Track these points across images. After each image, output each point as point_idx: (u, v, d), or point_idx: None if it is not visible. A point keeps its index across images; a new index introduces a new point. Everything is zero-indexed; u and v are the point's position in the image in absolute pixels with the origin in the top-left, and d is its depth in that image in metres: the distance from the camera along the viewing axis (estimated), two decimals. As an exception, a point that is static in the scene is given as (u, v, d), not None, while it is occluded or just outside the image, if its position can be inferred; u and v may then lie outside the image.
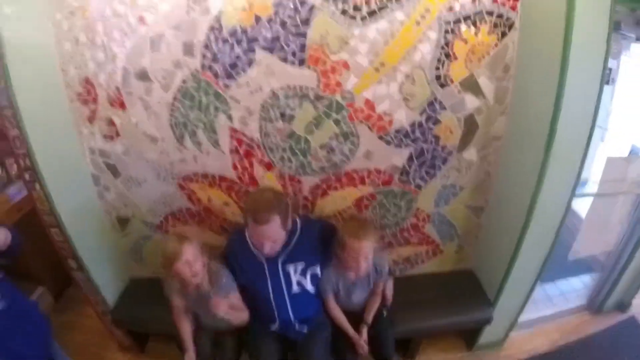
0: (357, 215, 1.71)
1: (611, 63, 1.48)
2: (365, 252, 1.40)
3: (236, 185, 1.71)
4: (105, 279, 1.93)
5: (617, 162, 1.74)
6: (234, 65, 1.47)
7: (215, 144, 1.62)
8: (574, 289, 2.21)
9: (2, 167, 2.94)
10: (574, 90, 1.25)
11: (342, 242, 1.43)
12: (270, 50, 1.43)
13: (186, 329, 1.60)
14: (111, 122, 1.67)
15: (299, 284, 1.50)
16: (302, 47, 1.42)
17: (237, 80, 1.49)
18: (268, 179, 1.68)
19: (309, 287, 1.51)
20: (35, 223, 2.27)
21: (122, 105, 1.61)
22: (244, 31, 1.41)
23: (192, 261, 1.40)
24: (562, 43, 1.21)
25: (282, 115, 1.53)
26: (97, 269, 1.87)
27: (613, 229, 1.89)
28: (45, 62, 1.56)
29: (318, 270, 1.52)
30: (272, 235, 1.34)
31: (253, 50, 1.44)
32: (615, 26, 1.26)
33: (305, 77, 1.46)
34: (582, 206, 1.92)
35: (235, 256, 1.53)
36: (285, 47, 1.43)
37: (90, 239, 1.84)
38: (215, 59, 1.46)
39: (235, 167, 1.67)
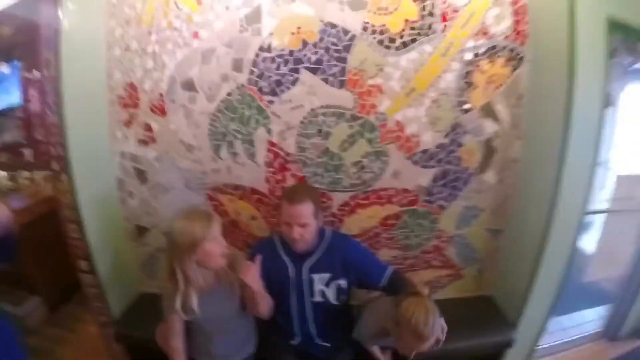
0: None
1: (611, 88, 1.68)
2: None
3: (266, 199, 1.78)
4: (114, 287, 1.88)
5: (626, 180, 1.93)
6: (279, 83, 1.61)
7: (252, 156, 1.71)
8: (589, 320, 2.29)
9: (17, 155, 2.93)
10: (580, 114, 1.45)
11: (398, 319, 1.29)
12: (314, 71, 1.59)
13: (180, 347, 1.41)
14: (148, 128, 1.75)
15: (322, 294, 1.51)
16: (343, 71, 1.59)
17: (281, 96, 1.62)
18: (299, 194, 1.76)
19: (332, 298, 1.52)
20: (35, 235, 2.25)
21: (163, 112, 1.71)
22: (291, 53, 1.57)
23: (220, 238, 1.31)
24: (566, 74, 1.42)
25: (320, 131, 1.66)
26: (108, 274, 1.83)
27: (625, 250, 2.03)
28: (93, 63, 1.68)
29: (344, 283, 1.52)
30: (303, 218, 1.38)
31: (298, 71, 1.59)
32: (611, 54, 1.50)
33: (344, 98, 1.62)
34: (595, 227, 2.07)
35: (263, 259, 1.53)
36: (327, 69, 1.59)
37: (106, 243, 1.82)
38: (261, 75, 1.60)
39: (267, 180, 1.75)
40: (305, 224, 1.39)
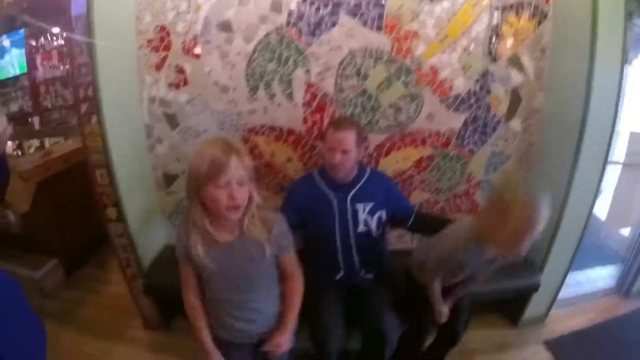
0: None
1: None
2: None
3: (303, 140, 1.82)
4: (142, 238, 1.86)
5: (636, 136, 2.08)
6: (318, 25, 1.66)
7: (289, 96, 1.75)
8: (603, 276, 2.44)
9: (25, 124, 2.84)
10: (601, 69, 1.55)
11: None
12: (353, 15, 1.65)
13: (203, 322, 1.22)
14: (180, 70, 1.76)
15: (365, 223, 1.56)
16: (381, 16, 1.65)
17: (320, 38, 1.67)
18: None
19: (374, 229, 1.57)
20: (50, 194, 2.21)
21: (197, 54, 1.72)
22: (331, -4, 1.63)
23: (237, 179, 1.00)
24: (589, 30, 1.53)
25: (358, 73, 1.72)
26: (136, 224, 1.82)
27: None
28: (121, 6, 1.66)
29: (383, 214, 1.58)
30: (347, 145, 1.42)
31: (337, 14, 1.65)
32: (627, 17, 1.63)
33: (381, 41, 1.68)
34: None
35: (302, 196, 1.58)
36: (366, 13, 1.65)
37: (134, 190, 1.81)
38: (300, 17, 1.64)
39: (305, 121, 1.79)
40: (347, 150, 1.44)
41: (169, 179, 1.95)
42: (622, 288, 2.35)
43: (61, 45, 3.11)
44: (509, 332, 2.06)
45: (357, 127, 1.50)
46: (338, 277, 1.60)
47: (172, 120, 1.84)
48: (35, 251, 2.34)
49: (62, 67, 3.16)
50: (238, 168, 0.99)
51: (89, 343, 1.94)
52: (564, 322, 2.12)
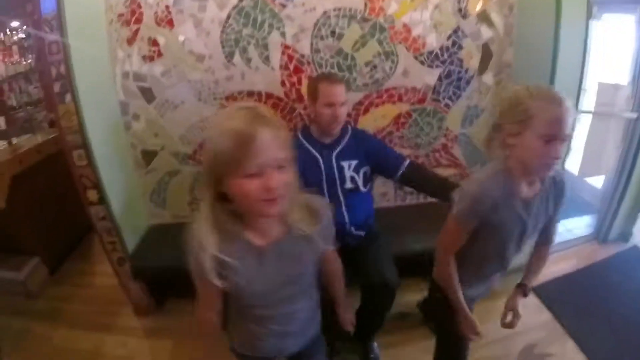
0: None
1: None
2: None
3: (282, 103, 1.85)
4: (125, 220, 1.83)
5: (606, 87, 2.21)
6: (291, -14, 1.69)
7: (266, 60, 1.77)
8: (580, 226, 2.59)
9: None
10: (567, 24, 1.65)
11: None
12: (326, -25, 1.70)
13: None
14: (154, 43, 1.75)
15: (352, 180, 1.59)
16: (353, -25, 1.71)
17: (294, 0, 1.70)
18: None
19: (361, 185, 1.60)
20: (27, 187, 2.14)
21: (170, 24, 1.72)
22: (303, -44, 1.67)
23: (274, 162, 0.71)
24: None
25: (333, 33, 1.76)
26: (118, 206, 1.79)
27: (610, 153, 2.30)
28: None
29: (368, 170, 1.62)
30: (342, 96, 1.47)
31: (310, -25, 1.69)
32: None
33: (355, 1, 1.73)
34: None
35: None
36: (338, -27, 1.70)
37: (114, 171, 1.78)
38: (274, -21, 1.68)
39: (283, 84, 1.81)
40: (344, 102, 1.49)
41: (149, 156, 1.93)
42: (600, 235, 2.49)
43: (22, 39, 3.02)
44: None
45: (343, 80, 1.56)
46: None
47: (147, 95, 1.83)
48: (14, 251, 2.25)
49: (24, 62, 3.07)
50: (273, 147, 0.70)
51: (81, 337, 1.89)
52: (548, 268, 2.21)
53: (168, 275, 1.86)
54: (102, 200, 1.71)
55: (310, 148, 1.57)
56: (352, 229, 1.62)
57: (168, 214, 2.06)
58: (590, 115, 2.57)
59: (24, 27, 2.95)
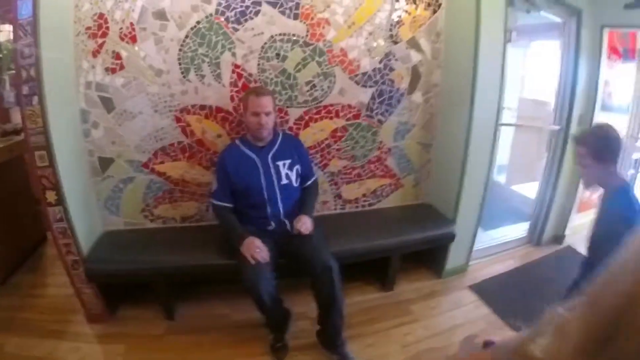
0: None
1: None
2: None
3: (231, 116, 2.13)
4: (81, 223, 1.98)
5: (527, 102, 2.65)
6: (243, 14, 2.01)
7: (218, 77, 2.07)
8: (515, 232, 2.94)
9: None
10: (485, 49, 2.04)
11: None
12: (273, 5, 2.02)
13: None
14: (117, 56, 2.00)
15: (287, 176, 1.93)
16: (297, 5, 2.05)
17: (245, 25, 2.02)
18: (260, 111, 2.14)
19: (294, 180, 1.96)
20: None
21: (133, 39, 1.98)
22: (253, -12, 2.01)
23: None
24: (474, 16, 2.02)
25: (277, 55, 2.08)
26: (74, 209, 1.93)
27: (536, 163, 2.70)
28: None
29: (300, 168, 1.98)
30: (269, 107, 1.82)
31: (260, 4, 2.01)
32: (509, 2, 2.12)
33: (298, 27, 2.07)
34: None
35: (231, 161, 1.90)
36: (285, 4, 2.04)
37: (72, 175, 1.95)
38: (228, 7, 1.99)
39: (232, 99, 2.10)
40: (269, 112, 1.82)
41: (105, 163, 2.13)
42: (533, 239, 2.86)
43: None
44: (436, 282, 2.45)
45: (272, 93, 1.90)
46: (270, 228, 1.91)
47: (108, 104, 2.06)
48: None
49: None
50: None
51: (33, 345, 1.95)
52: (485, 269, 2.56)
53: (121, 279, 2.06)
54: (60, 201, 1.86)
55: (248, 151, 1.90)
56: (287, 221, 1.91)
57: (121, 221, 2.24)
58: (513, 129, 3.04)
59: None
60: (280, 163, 1.92)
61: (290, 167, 1.93)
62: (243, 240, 1.79)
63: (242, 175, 1.88)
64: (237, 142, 1.96)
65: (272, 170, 1.90)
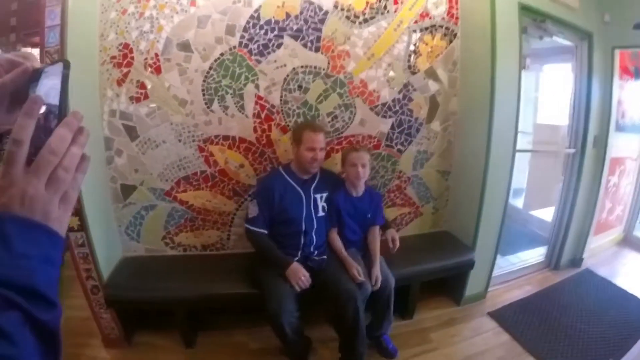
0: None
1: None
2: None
3: (254, 147, 2.22)
4: (102, 248, 2.06)
5: (542, 127, 2.76)
6: (265, 46, 2.12)
7: (241, 108, 2.16)
8: (533, 256, 3.03)
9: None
10: (501, 76, 2.15)
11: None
12: (295, 38, 2.14)
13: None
14: (142, 85, 2.10)
15: (323, 209, 2.05)
16: (318, 38, 2.16)
17: (267, 57, 2.13)
18: (282, 142, 2.24)
19: (325, 212, 2.07)
20: None
21: (158, 70, 2.08)
22: (277, 22, 2.10)
23: None
24: (490, 45, 2.14)
25: (300, 87, 2.19)
26: (97, 234, 2.01)
27: (552, 187, 2.81)
28: (88, 26, 1.98)
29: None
30: (322, 143, 1.93)
31: (282, 37, 2.12)
32: (523, 30, 2.27)
33: (319, 60, 2.18)
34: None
35: (278, 190, 1.98)
36: (306, 37, 2.15)
37: (95, 201, 2.04)
38: (251, 39, 2.10)
39: (255, 130, 2.20)
40: (323, 148, 1.94)
41: (127, 191, 2.22)
42: (552, 263, 2.96)
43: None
44: (455, 309, 2.53)
45: (325, 129, 2.04)
46: (296, 258, 1.98)
47: (131, 132, 2.15)
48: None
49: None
50: None
51: None
52: (504, 296, 2.65)
53: (140, 305, 2.12)
54: (82, 227, 1.94)
55: (293, 183, 1.99)
56: (316, 253, 2.02)
57: (142, 247, 2.32)
58: (529, 154, 3.16)
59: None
60: (318, 196, 2.03)
61: (325, 200, 2.05)
62: (288, 266, 1.89)
63: (286, 205, 1.98)
64: (282, 170, 2.04)
65: (312, 203, 2.01)
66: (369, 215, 2.10)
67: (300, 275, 1.87)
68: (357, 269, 1.92)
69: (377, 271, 1.97)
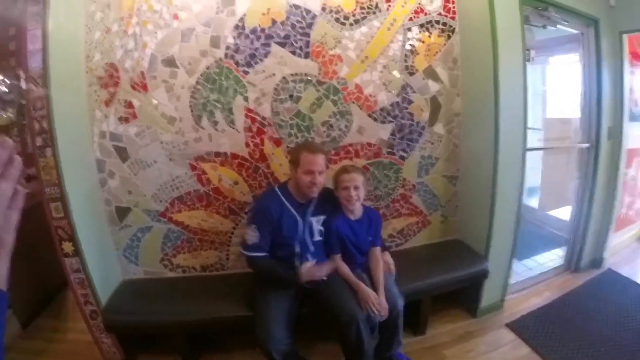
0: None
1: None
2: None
3: (247, 162, 2.16)
4: (99, 273, 2.05)
5: (554, 122, 2.59)
6: (252, 56, 2.05)
7: (231, 123, 2.11)
8: (551, 258, 2.90)
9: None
10: (505, 71, 2.03)
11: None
12: (283, 45, 2.06)
13: None
14: (129, 105, 2.08)
15: (320, 233, 1.94)
16: (307, 44, 2.08)
17: (255, 67, 2.06)
18: (276, 156, 2.17)
19: (322, 236, 1.95)
20: None
21: (145, 88, 2.05)
22: (262, 30, 2.04)
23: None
24: (490, 37, 2.01)
25: (291, 96, 2.11)
26: (92, 259, 2.01)
27: (568, 185, 2.66)
28: (73, 48, 1.97)
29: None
30: (321, 165, 1.79)
31: (269, 45, 2.06)
32: (525, 20, 2.12)
33: (309, 66, 2.10)
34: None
35: (276, 211, 1.87)
36: (294, 43, 2.07)
37: (89, 225, 2.03)
38: (237, 50, 2.04)
39: (247, 145, 2.14)
40: (322, 171, 1.81)
41: (122, 213, 2.21)
42: (571, 265, 2.80)
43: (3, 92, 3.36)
44: (470, 322, 2.41)
45: (324, 150, 1.92)
46: None
47: (122, 153, 2.14)
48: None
49: (4, 116, 3.40)
50: None
51: None
52: (522, 304, 2.51)
53: (140, 329, 2.10)
54: (76, 252, 1.94)
55: (289, 206, 1.89)
56: None
57: (141, 270, 2.31)
58: (541, 152, 2.99)
59: (6, 81, 3.28)
60: (314, 219, 1.93)
61: (322, 223, 1.94)
62: (297, 275, 1.84)
63: (282, 228, 1.87)
64: (278, 191, 1.93)
65: (307, 227, 1.91)
66: (370, 239, 2.00)
67: (314, 271, 1.85)
68: (372, 301, 1.81)
69: (382, 301, 1.85)
